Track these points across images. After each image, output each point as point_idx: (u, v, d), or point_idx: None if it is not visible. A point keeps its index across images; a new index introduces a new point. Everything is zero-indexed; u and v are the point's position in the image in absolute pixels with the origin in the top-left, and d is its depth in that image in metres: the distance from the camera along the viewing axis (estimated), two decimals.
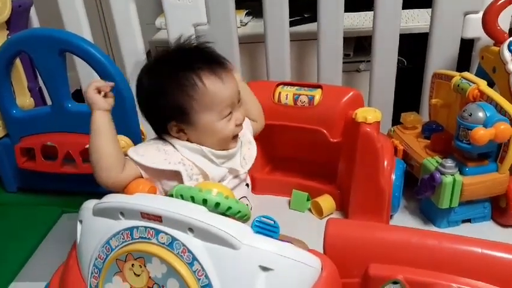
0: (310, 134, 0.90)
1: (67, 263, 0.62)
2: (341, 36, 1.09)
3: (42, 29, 0.93)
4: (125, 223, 0.53)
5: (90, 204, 0.58)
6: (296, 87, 0.92)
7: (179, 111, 0.65)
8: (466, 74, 0.89)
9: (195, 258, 0.49)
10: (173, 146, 0.67)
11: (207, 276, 0.48)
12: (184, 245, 0.49)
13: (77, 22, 1.11)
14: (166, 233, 0.50)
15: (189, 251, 0.49)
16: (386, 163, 0.85)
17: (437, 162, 0.85)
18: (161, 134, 0.69)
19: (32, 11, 1.13)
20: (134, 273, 0.52)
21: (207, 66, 0.66)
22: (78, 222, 0.59)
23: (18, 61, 1.02)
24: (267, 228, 0.57)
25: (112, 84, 0.65)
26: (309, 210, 0.96)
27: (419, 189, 0.88)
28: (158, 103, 0.66)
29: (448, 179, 0.81)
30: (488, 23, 0.91)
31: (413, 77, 1.20)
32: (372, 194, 0.85)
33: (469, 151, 0.82)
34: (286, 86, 0.93)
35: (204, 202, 0.56)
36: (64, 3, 1.09)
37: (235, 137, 0.71)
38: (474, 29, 1.01)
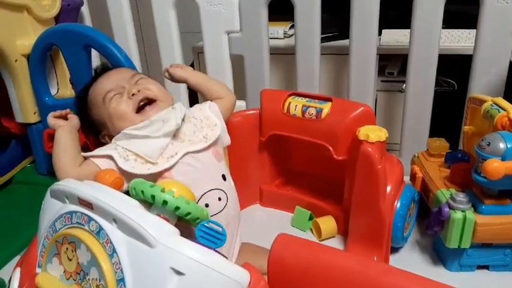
0: (316, 149, 0.86)
1: (33, 239, 0.65)
2: (374, 53, 1.02)
3: (70, 24, 1.00)
4: (68, 207, 0.54)
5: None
6: (307, 99, 0.89)
7: (90, 123, 0.75)
8: (498, 99, 0.78)
9: (114, 250, 0.48)
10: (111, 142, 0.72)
11: (122, 270, 0.47)
12: (107, 235, 0.49)
13: (123, 27, 1.19)
14: (96, 221, 0.50)
15: (111, 242, 0.48)
16: (389, 188, 0.77)
17: (450, 194, 0.75)
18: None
19: (86, 11, 1.23)
20: (68, 257, 0.53)
21: (95, 79, 0.77)
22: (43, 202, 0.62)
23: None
24: (211, 234, 0.55)
25: (67, 110, 0.78)
26: (311, 230, 0.90)
27: (428, 224, 0.78)
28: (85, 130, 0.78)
29: (457, 215, 0.71)
30: None
31: (461, 101, 1.09)
32: (371, 221, 0.78)
33: (485, 186, 0.71)
34: (297, 97, 0.90)
35: (152, 198, 0.56)
36: (112, 8, 1.17)
37: (143, 108, 0.71)
38: None
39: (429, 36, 0.96)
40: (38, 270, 0.57)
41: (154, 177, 0.67)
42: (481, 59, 0.95)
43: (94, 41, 0.88)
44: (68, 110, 0.78)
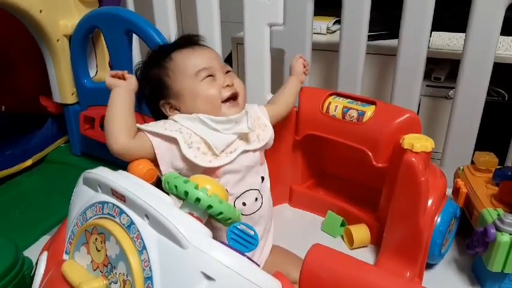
0: (354, 153, 0.82)
1: (63, 223, 0.64)
2: (424, 56, 0.97)
3: (113, 8, 0.99)
4: (100, 196, 0.53)
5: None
6: (348, 100, 0.85)
7: (161, 86, 0.69)
8: None
9: (144, 247, 0.46)
10: (173, 120, 0.68)
11: (151, 268, 0.46)
12: (138, 230, 0.47)
13: (165, 13, 1.17)
14: (127, 215, 0.49)
15: (141, 238, 0.47)
16: (430, 202, 0.73)
17: (498, 215, 0.71)
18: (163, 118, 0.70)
19: None
20: (96, 248, 0.52)
21: (181, 46, 0.71)
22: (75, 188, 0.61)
23: (103, 37, 1.10)
24: (242, 237, 0.52)
25: (124, 71, 0.70)
26: (342, 236, 0.87)
27: (470, 243, 0.74)
28: (146, 88, 0.71)
29: (504, 238, 0.67)
30: None
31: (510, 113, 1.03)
32: (408, 234, 0.74)
33: None
34: (338, 97, 0.86)
35: (185, 194, 0.53)
36: None
37: (228, 101, 0.69)
38: None
39: (486, 42, 0.90)
40: (65, 256, 0.57)
41: (206, 171, 0.65)
42: None
43: (136, 26, 0.87)
44: (125, 71, 0.70)
